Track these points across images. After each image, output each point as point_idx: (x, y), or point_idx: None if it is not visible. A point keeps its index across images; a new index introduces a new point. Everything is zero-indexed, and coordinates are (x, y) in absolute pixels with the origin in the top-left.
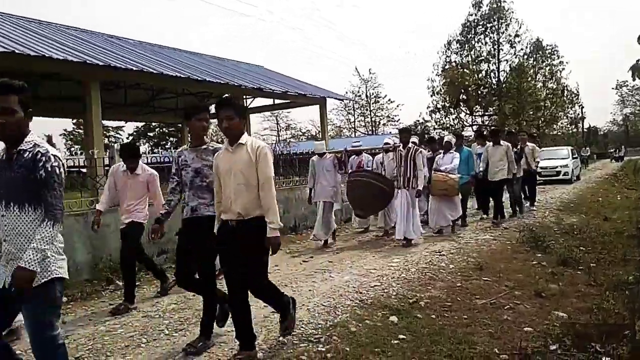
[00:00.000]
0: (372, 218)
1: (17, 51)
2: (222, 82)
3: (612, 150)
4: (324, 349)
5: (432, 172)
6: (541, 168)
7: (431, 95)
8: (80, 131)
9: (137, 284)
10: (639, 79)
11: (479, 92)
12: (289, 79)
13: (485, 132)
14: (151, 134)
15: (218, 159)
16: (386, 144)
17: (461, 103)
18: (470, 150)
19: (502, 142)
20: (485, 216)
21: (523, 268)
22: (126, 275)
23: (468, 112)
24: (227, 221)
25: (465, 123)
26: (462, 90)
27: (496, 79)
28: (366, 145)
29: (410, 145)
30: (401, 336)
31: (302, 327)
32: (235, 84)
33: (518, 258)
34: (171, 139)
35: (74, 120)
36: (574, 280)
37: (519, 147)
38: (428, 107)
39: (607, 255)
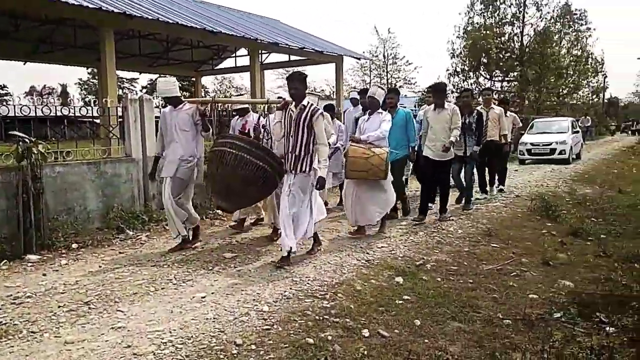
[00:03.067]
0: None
1: None
2: (237, 35)
3: (628, 123)
4: (328, 305)
5: (349, 143)
6: (531, 144)
7: (451, 58)
8: (95, 81)
9: (147, 234)
10: None
11: (501, 56)
12: (306, 35)
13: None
14: None
15: None
16: (280, 97)
17: (481, 67)
18: (408, 111)
19: (447, 104)
20: (431, 205)
21: (532, 236)
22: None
23: (488, 76)
24: None
25: (483, 88)
26: (484, 54)
27: (519, 43)
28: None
29: (306, 102)
30: (406, 297)
31: (308, 283)
32: (251, 38)
33: (528, 226)
34: (185, 93)
35: (89, 70)
36: (583, 251)
37: (475, 111)
38: (447, 70)
39: (619, 227)
